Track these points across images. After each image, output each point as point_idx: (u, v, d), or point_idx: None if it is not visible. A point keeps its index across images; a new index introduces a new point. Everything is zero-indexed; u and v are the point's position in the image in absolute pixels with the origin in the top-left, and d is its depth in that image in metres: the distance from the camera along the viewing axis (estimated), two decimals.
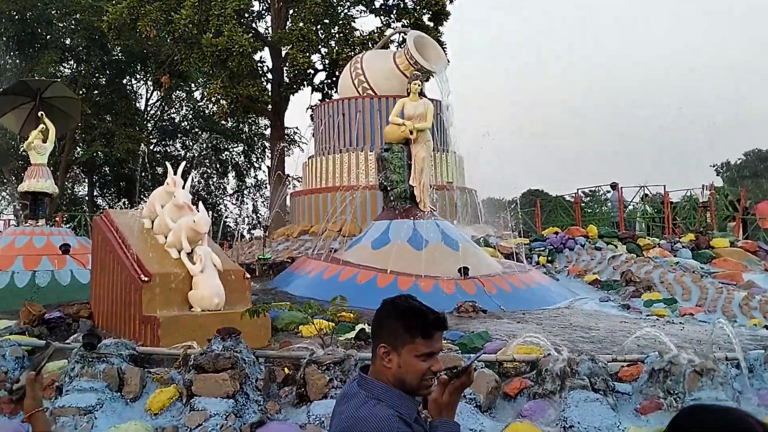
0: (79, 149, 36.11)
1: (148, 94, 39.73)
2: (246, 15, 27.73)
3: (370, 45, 25.40)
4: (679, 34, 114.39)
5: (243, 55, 24.10)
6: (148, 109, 40.12)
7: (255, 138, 41.09)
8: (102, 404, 7.06)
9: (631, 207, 24.17)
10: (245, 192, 43.20)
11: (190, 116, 40.86)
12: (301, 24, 25.14)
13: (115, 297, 10.03)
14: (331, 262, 13.21)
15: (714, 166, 55.62)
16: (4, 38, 32.64)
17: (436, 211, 14.21)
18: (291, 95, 28.16)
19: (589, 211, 26.75)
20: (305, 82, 27.73)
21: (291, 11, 26.74)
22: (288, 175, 27.73)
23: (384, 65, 19.69)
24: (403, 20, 27.26)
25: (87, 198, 40.26)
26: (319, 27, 26.03)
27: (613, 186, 23.19)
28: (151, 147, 39.02)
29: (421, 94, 13.88)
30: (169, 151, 40.91)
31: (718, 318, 10.26)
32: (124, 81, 37.81)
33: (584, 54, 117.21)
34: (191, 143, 41.96)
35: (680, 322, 10.76)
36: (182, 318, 8.92)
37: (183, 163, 10.87)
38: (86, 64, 34.16)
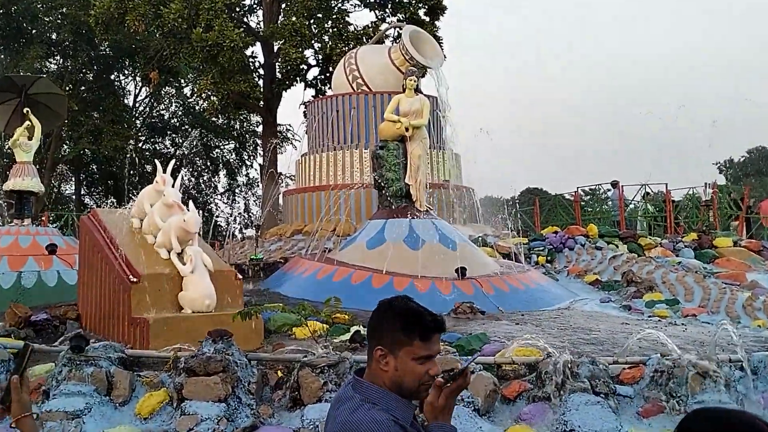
0: (65, 147, 36.05)
1: (137, 91, 39.77)
2: (237, 9, 27.71)
3: (365, 40, 25.38)
4: (680, 32, 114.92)
5: (234, 51, 24.07)
6: (137, 105, 40.10)
7: (246, 135, 41.04)
8: (90, 408, 7.05)
9: (632, 206, 24.20)
10: (237, 190, 43.18)
11: (180, 113, 40.82)
12: (293, 18, 25.11)
13: (103, 298, 10.02)
14: (325, 263, 13.20)
15: (717, 164, 55.78)
16: None
17: (433, 210, 14.21)
18: (283, 91, 28.14)
19: (589, 209, 26.77)
20: (298, 78, 27.72)
21: (283, 5, 26.72)
22: (280, 173, 27.75)
23: (379, 61, 19.69)
24: (398, 14, 27.28)
25: (74, 197, 40.19)
26: (312, 21, 26.03)
27: (614, 184, 23.22)
28: (140, 144, 38.98)
29: (417, 90, 13.87)
30: (158, 148, 40.86)
31: (722, 319, 10.29)
32: (112, 77, 37.76)
33: (584, 52, 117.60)
34: (181, 140, 41.90)
35: (683, 324, 10.78)
36: (172, 320, 8.90)
37: (173, 161, 10.87)
38: (73, 59, 34.10)
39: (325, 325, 9.36)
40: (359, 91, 19.63)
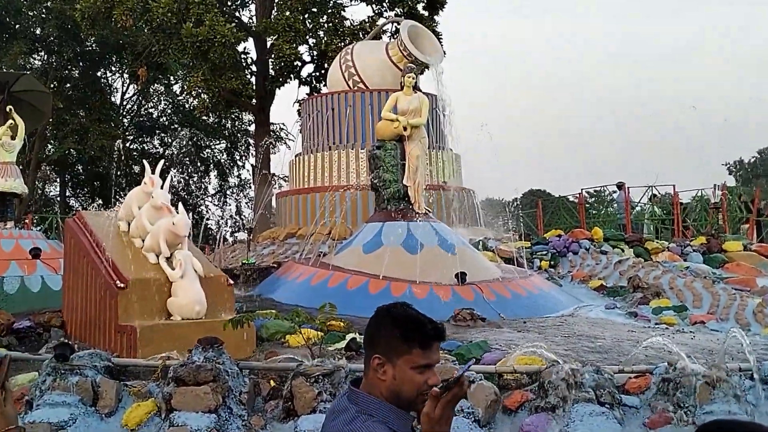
0: (50, 146, 36.02)
1: (124, 88, 39.73)
2: (228, 3, 27.77)
3: (361, 35, 25.39)
4: (688, 30, 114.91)
5: (225, 46, 24.07)
6: (124, 103, 40.07)
7: (238, 134, 41.05)
8: (75, 419, 7.05)
9: (638, 208, 24.23)
10: (228, 192, 43.19)
11: (169, 111, 40.80)
12: (287, 13, 25.14)
13: (89, 305, 10.01)
14: (320, 267, 13.20)
15: (726, 165, 55.89)
16: None
17: (432, 213, 14.22)
18: (277, 89, 28.14)
19: (594, 212, 26.81)
20: (292, 75, 27.71)
21: None
22: (274, 174, 27.70)
23: (376, 57, 19.69)
24: (396, 9, 27.27)
25: (59, 199, 40.16)
26: (306, 16, 26.03)
27: (620, 186, 23.24)
28: (128, 144, 38.96)
29: (416, 88, 13.88)
30: (146, 148, 40.85)
31: (731, 326, 10.30)
32: (99, 74, 37.73)
33: (590, 49, 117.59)
34: (170, 140, 41.89)
35: (691, 331, 10.80)
36: (161, 327, 8.90)
37: (161, 162, 10.86)
38: (58, 55, 34.08)
39: (319, 332, 9.36)
40: (355, 88, 19.63)
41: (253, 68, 28.32)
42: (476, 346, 8.66)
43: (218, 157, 42.55)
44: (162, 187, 9.99)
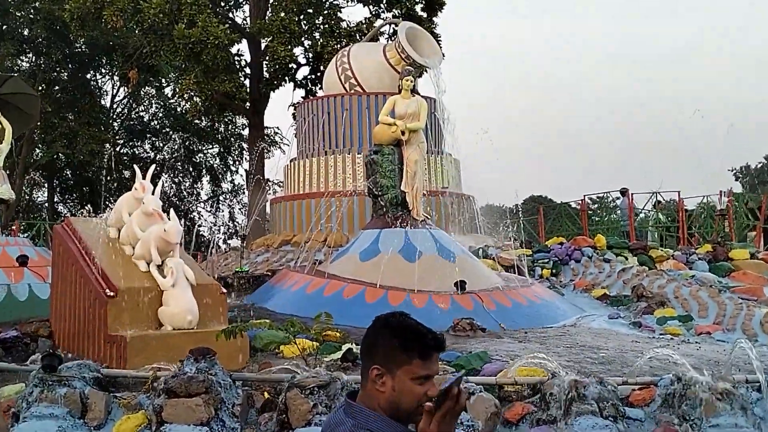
0: (38, 151, 35.99)
1: (114, 91, 39.70)
2: (222, 4, 27.80)
3: (358, 37, 25.45)
4: (691, 32, 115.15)
5: (219, 48, 24.10)
6: (115, 106, 40.06)
7: (232, 139, 41.07)
8: None
9: (642, 215, 24.26)
10: (221, 198, 43.16)
11: (161, 115, 40.81)
12: (282, 14, 25.17)
13: (77, 314, 9.99)
14: (316, 276, 13.20)
15: (732, 171, 55.83)
16: None
17: (431, 220, 14.22)
18: (271, 92, 28.18)
19: (596, 219, 26.83)
20: (287, 78, 27.75)
21: (271, 0, 26.77)
22: (268, 180, 27.73)
23: (373, 59, 19.73)
24: (394, 10, 27.34)
25: (47, 204, 40.12)
26: (302, 17, 26.09)
27: (623, 192, 23.26)
28: (118, 148, 38.93)
29: (414, 91, 13.90)
30: (137, 152, 40.83)
31: (738, 337, 10.31)
32: (88, 76, 37.74)
33: (589, 49, 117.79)
34: (162, 144, 41.89)
35: (696, 342, 10.80)
36: (152, 337, 8.89)
37: (153, 167, 10.87)
38: (46, 57, 34.09)
39: (315, 342, 9.34)
40: (352, 91, 19.65)
41: (247, 71, 28.35)
42: (476, 357, 8.65)
43: (211, 162, 42.56)
44: (153, 193, 9.99)
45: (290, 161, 20.64)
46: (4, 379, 8.39)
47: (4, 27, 33.28)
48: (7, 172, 17.24)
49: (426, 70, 18.84)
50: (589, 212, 25.68)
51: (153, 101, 40.85)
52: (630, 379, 7.61)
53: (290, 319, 9.52)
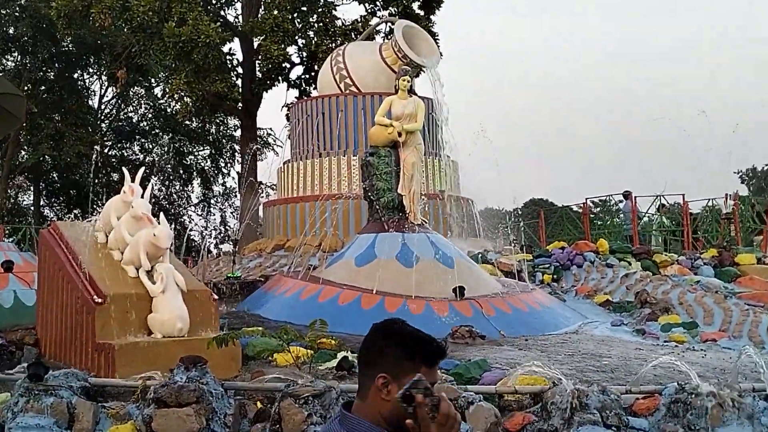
0: (23, 153, 35.97)
1: (103, 91, 39.70)
2: (213, 2, 27.76)
3: (354, 36, 25.46)
4: (692, 32, 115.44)
5: (210, 47, 24.07)
6: (103, 107, 40.07)
7: (223, 140, 41.07)
8: None
9: (646, 219, 24.28)
10: (212, 201, 43.15)
11: (150, 115, 40.80)
12: (275, 12, 25.17)
13: (64, 321, 9.98)
14: (310, 281, 13.20)
15: (738, 173, 55.90)
16: None
17: (428, 224, 14.23)
18: (264, 92, 28.16)
19: (599, 223, 26.87)
20: (280, 78, 27.75)
21: None
22: (261, 183, 27.73)
23: (369, 59, 19.75)
24: (390, 8, 27.34)
25: (33, 208, 40.06)
26: (295, 15, 26.07)
27: (626, 195, 23.28)
28: (106, 150, 38.92)
29: (411, 91, 13.91)
30: (126, 155, 40.82)
31: (744, 344, 10.32)
32: (75, 75, 37.73)
33: (589, 48, 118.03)
34: (151, 146, 41.88)
35: (702, 349, 10.82)
36: (141, 345, 8.88)
37: (142, 169, 10.86)
38: (32, 56, 34.04)
39: (309, 350, 9.35)
40: (347, 91, 19.67)
41: (239, 70, 28.34)
42: (475, 365, 8.65)
43: (202, 165, 42.56)
44: (142, 196, 9.99)
45: (284, 163, 20.64)
46: None
47: None
48: None
49: (423, 70, 18.86)
50: (592, 216, 25.71)
51: (142, 102, 40.83)
52: (633, 387, 7.62)
53: (284, 326, 9.53)
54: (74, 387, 7.54)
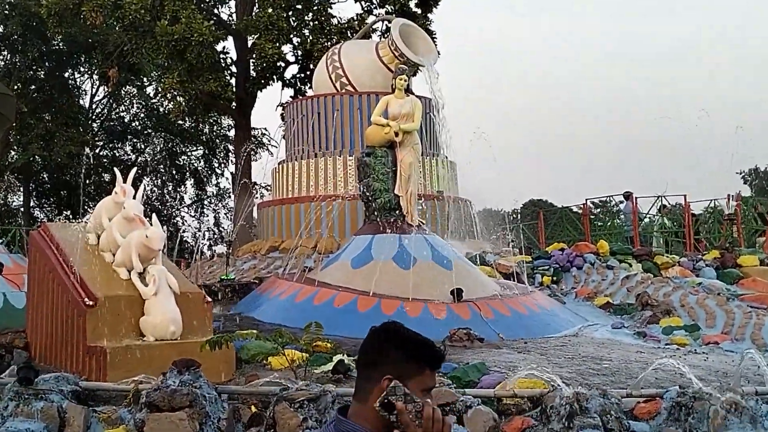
0: (13, 153, 35.91)
1: (94, 90, 39.64)
2: None
3: (350, 34, 25.45)
4: (691, 31, 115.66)
5: (203, 46, 24.07)
6: (94, 107, 40.00)
7: (217, 140, 41.00)
8: None
9: (647, 220, 24.30)
10: (206, 202, 43.10)
11: (142, 115, 40.75)
12: (269, 10, 25.15)
13: (55, 324, 9.97)
14: (305, 284, 13.19)
15: (741, 173, 55.93)
16: None
17: (425, 225, 14.22)
18: (258, 91, 28.14)
19: (599, 224, 26.88)
20: (275, 77, 27.73)
21: None
22: (255, 183, 27.71)
23: (365, 57, 19.74)
24: (387, 6, 27.35)
25: (22, 209, 40.01)
26: (290, 13, 26.07)
27: (627, 196, 23.29)
28: (97, 150, 38.85)
29: (408, 90, 13.91)
30: (117, 155, 40.76)
31: (747, 347, 10.32)
32: (66, 74, 37.66)
33: (588, 47, 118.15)
34: (143, 146, 41.83)
35: (704, 352, 10.82)
36: (133, 348, 8.87)
37: (134, 170, 10.87)
38: (22, 54, 34.01)
39: (304, 353, 9.33)
40: (343, 91, 19.66)
41: (233, 69, 28.32)
42: (474, 369, 8.65)
43: (195, 165, 42.48)
44: (134, 197, 9.99)
45: (278, 164, 20.63)
46: None
47: None
48: None
49: (420, 69, 18.86)
50: (592, 217, 25.72)
51: (134, 101, 40.78)
52: (634, 391, 7.62)
53: (278, 329, 9.52)
54: (65, 391, 7.55)
